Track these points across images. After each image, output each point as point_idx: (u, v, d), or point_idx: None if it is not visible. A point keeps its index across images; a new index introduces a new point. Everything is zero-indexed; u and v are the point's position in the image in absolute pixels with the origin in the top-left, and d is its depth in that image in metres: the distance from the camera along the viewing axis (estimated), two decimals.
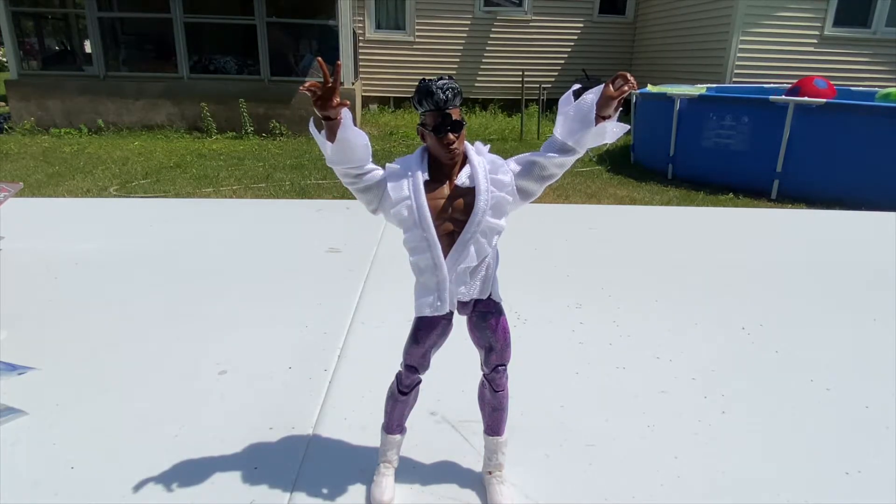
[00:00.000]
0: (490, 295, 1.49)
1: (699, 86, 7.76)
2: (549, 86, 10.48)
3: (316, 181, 6.05)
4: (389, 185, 1.37)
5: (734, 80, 9.10)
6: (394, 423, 1.64)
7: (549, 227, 4.46)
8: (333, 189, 5.66)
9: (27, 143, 7.74)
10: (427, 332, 1.50)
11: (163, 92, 8.67)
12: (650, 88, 7.30)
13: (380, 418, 1.67)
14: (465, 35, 11.72)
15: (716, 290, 3.25)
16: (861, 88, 8.22)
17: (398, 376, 1.60)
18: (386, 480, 1.64)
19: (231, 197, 5.41)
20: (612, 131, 1.33)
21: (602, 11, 11.88)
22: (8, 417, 1.97)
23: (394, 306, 2.82)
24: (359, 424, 1.96)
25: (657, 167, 6.96)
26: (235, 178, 6.13)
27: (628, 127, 1.37)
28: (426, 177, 1.36)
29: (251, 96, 8.66)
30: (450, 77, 1.32)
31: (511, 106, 11.58)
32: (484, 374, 1.61)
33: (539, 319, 2.82)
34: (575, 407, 2.12)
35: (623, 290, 3.21)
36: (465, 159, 1.38)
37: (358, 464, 1.77)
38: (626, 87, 1.27)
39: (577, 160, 1.42)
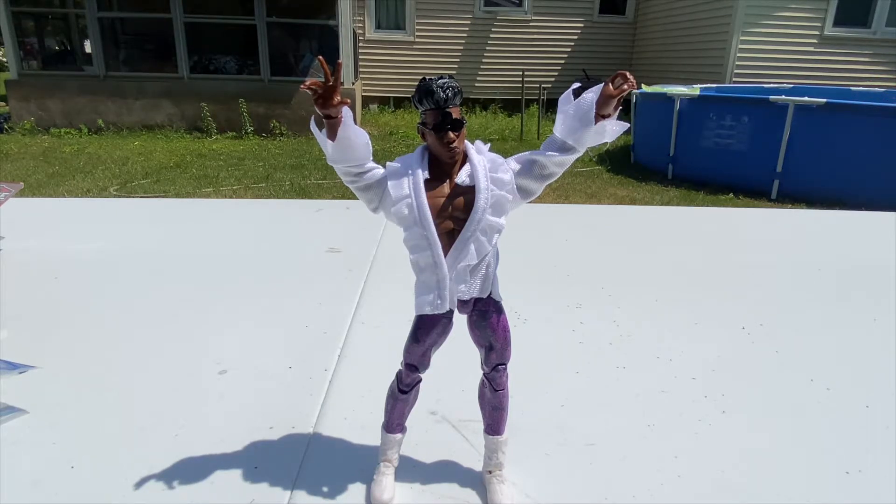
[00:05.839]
0: (490, 294, 1.49)
1: (694, 86, 7.75)
2: (550, 86, 10.47)
3: (316, 181, 6.05)
4: (390, 183, 1.37)
5: (734, 80, 9.10)
6: (394, 422, 1.64)
7: (549, 227, 4.46)
8: (333, 189, 5.66)
9: (27, 143, 7.75)
10: (427, 330, 1.50)
11: (163, 92, 8.67)
12: (645, 88, 7.31)
13: (380, 418, 1.67)
14: (465, 35, 11.72)
15: (716, 290, 3.25)
16: (861, 88, 8.22)
17: (398, 375, 1.60)
18: (386, 479, 1.64)
19: (231, 197, 5.41)
20: (612, 130, 1.33)
21: (602, 11, 11.89)
22: (8, 417, 1.96)
23: (394, 306, 2.82)
24: (359, 424, 1.96)
25: (657, 167, 6.96)
26: (235, 178, 6.13)
27: (628, 125, 1.37)
28: (426, 175, 1.36)
29: (251, 96, 8.66)
30: (450, 76, 1.32)
31: (511, 106, 11.58)
32: (484, 374, 1.61)
33: (539, 319, 2.82)
34: (575, 407, 2.11)
35: (623, 290, 3.21)
36: (465, 158, 1.39)
37: (358, 463, 1.77)
38: (625, 86, 1.27)
39: (577, 159, 1.42)
